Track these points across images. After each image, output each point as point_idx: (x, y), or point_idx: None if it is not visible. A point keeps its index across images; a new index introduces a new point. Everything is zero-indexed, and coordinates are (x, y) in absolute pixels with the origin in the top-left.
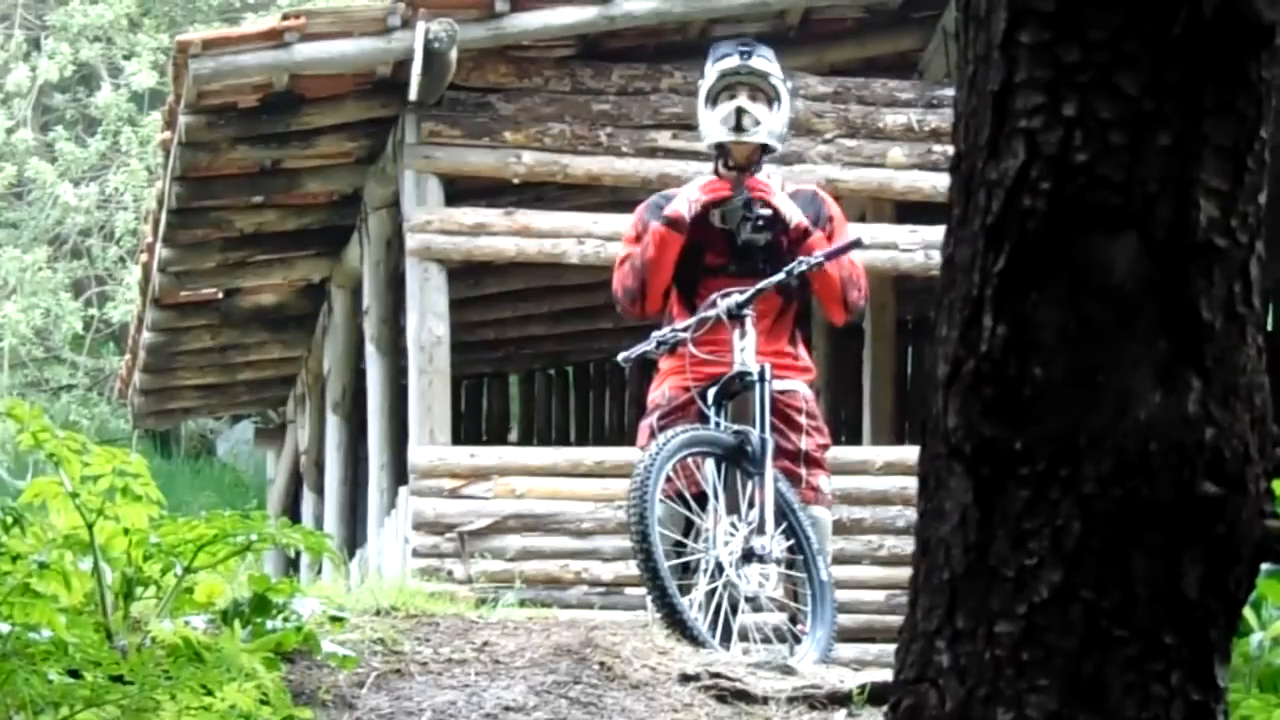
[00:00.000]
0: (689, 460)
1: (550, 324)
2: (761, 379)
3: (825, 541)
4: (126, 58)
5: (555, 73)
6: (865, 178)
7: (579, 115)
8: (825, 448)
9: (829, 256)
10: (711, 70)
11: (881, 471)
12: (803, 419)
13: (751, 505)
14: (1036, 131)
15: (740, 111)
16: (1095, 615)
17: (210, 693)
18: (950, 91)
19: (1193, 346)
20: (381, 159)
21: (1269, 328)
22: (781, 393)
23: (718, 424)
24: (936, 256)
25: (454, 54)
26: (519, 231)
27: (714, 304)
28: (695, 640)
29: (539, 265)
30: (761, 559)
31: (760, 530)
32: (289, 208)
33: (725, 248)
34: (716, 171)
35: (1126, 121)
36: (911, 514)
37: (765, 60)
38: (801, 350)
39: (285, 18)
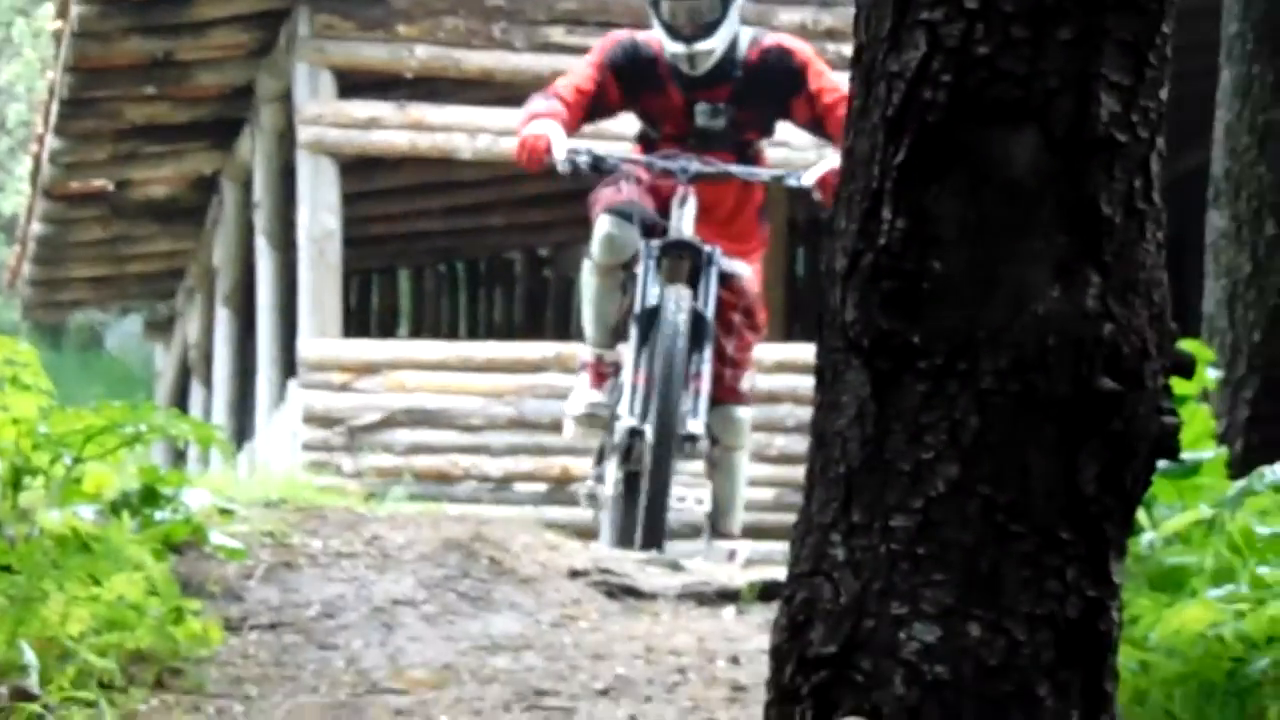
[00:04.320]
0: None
1: (441, 219)
2: (710, 261)
3: (744, 439)
4: None
5: None
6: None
7: (473, 10)
8: (751, 346)
9: (821, 187)
10: None
11: (772, 370)
12: (737, 316)
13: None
14: (938, 24)
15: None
16: (992, 510)
17: (98, 583)
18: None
19: (1092, 242)
20: (274, 52)
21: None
22: (725, 280)
23: (649, 255)
24: (828, 155)
25: None
26: (412, 126)
27: (675, 158)
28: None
29: (431, 160)
30: (695, 440)
31: (695, 414)
32: (181, 100)
33: (684, 124)
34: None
35: (1028, 14)
36: (801, 413)
37: None
38: (761, 226)
39: None
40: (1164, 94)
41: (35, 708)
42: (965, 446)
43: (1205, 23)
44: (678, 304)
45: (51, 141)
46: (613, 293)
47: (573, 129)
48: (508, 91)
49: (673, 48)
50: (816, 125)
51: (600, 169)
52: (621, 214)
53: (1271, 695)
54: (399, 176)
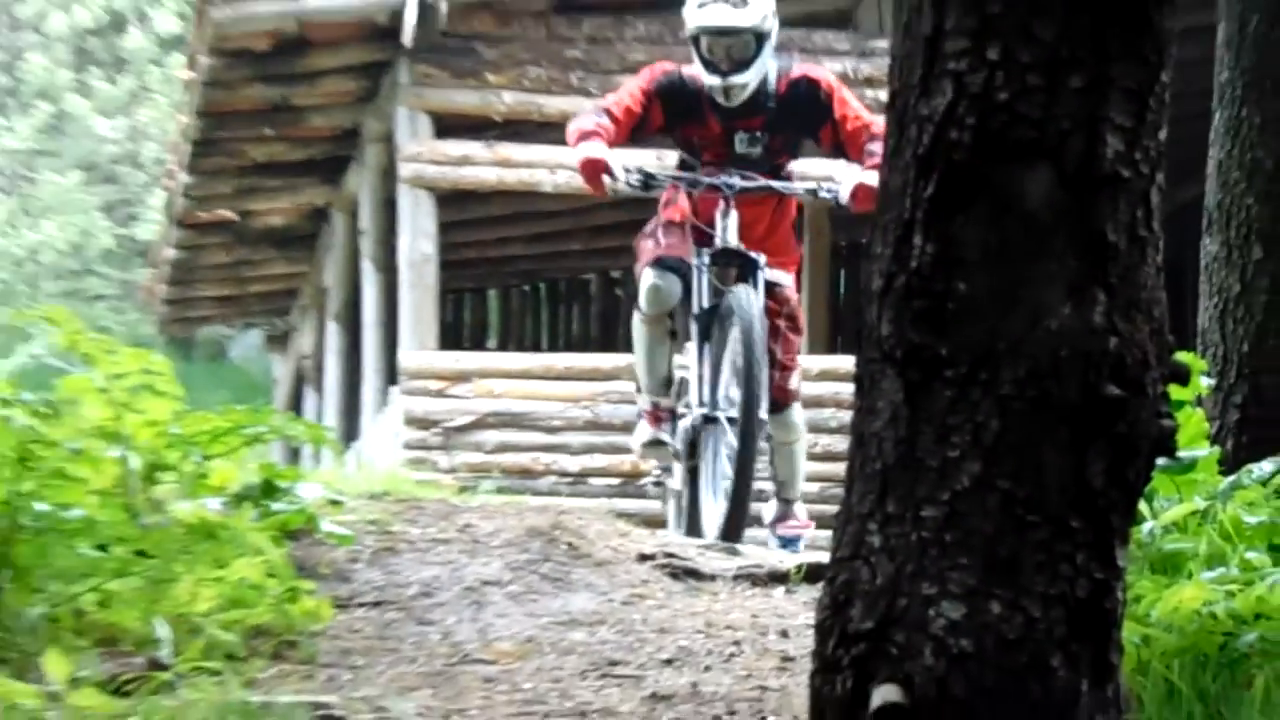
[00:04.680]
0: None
1: (525, 245)
2: (757, 267)
3: (799, 433)
4: (153, 5)
5: (533, 23)
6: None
7: (553, 61)
8: (796, 348)
9: (855, 199)
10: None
11: (817, 378)
12: (782, 322)
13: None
14: (963, 73)
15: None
16: (1011, 503)
17: (223, 566)
18: (881, 43)
19: (1099, 265)
20: (378, 98)
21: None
22: (769, 289)
23: (701, 264)
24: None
25: (444, 5)
26: (499, 163)
27: (718, 175)
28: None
29: (516, 193)
30: (763, 425)
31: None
32: (296, 140)
33: (724, 152)
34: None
35: (1043, 65)
36: (843, 415)
37: None
38: (796, 243)
39: None
40: (1163, 135)
41: (168, 676)
42: (987, 446)
43: (1201, 71)
44: (747, 297)
45: (183, 177)
46: (661, 342)
47: (616, 144)
48: None
49: (710, 80)
50: (839, 149)
51: (651, 185)
52: (664, 266)
53: (1258, 665)
54: (488, 207)
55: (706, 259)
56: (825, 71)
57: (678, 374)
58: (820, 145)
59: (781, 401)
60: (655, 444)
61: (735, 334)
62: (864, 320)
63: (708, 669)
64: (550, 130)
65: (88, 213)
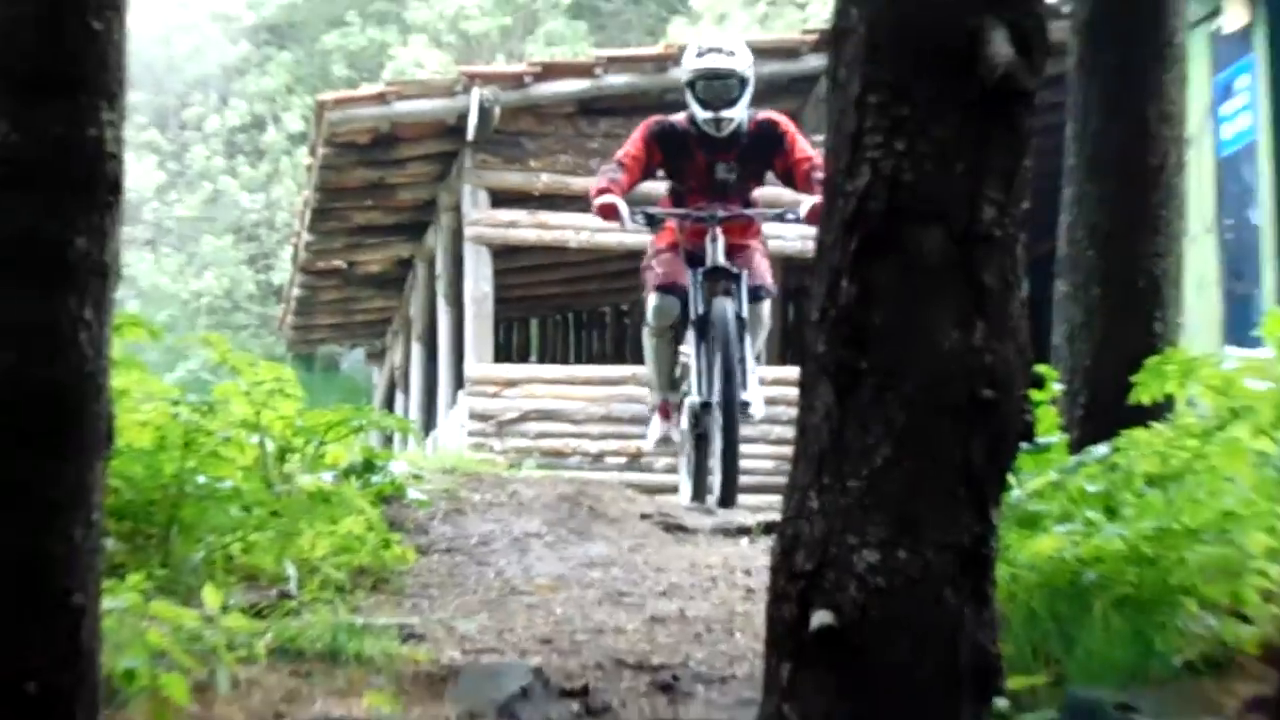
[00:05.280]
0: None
1: (558, 286)
2: (739, 279)
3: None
4: (284, 109)
5: (563, 122)
6: (761, 194)
7: (578, 151)
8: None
9: (808, 218)
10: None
11: (772, 384)
12: (756, 257)
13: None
14: (878, 160)
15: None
16: (914, 477)
17: (335, 522)
18: (818, 137)
19: (978, 302)
20: (449, 178)
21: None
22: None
23: (696, 280)
24: (810, 244)
25: (497, 110)
26: (538, 226)
27: (705, 209)
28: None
29: (551, 248)
30: (747, 407)
31: (745, 388)
32: (389, 209)
33: (708, 174)
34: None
35: (936, 155)
36: (791, 412)
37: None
38: (767, 254)
39: (389, 85)
40: (1025, 205)
41: (294, 604)
42: (896, 435)
43: (1053, 158)
44: (724, 309)
45: (306, 236)
46: (667, 348)
47: (629, 187)
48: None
49: (704, 115)
50: (789, 178)
51: (652, 223)
52: (665, 290)
53: (1096, 595)
54: (531, 258)
55: (700, 276)
56: (782, 117)
57: (680, 369)
58: (774, 173)
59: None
60: (665, 440)
61: (718, 339)
62: (806, 342)
63: (691, 598)
64: (576, 202)
65: (236, 265)
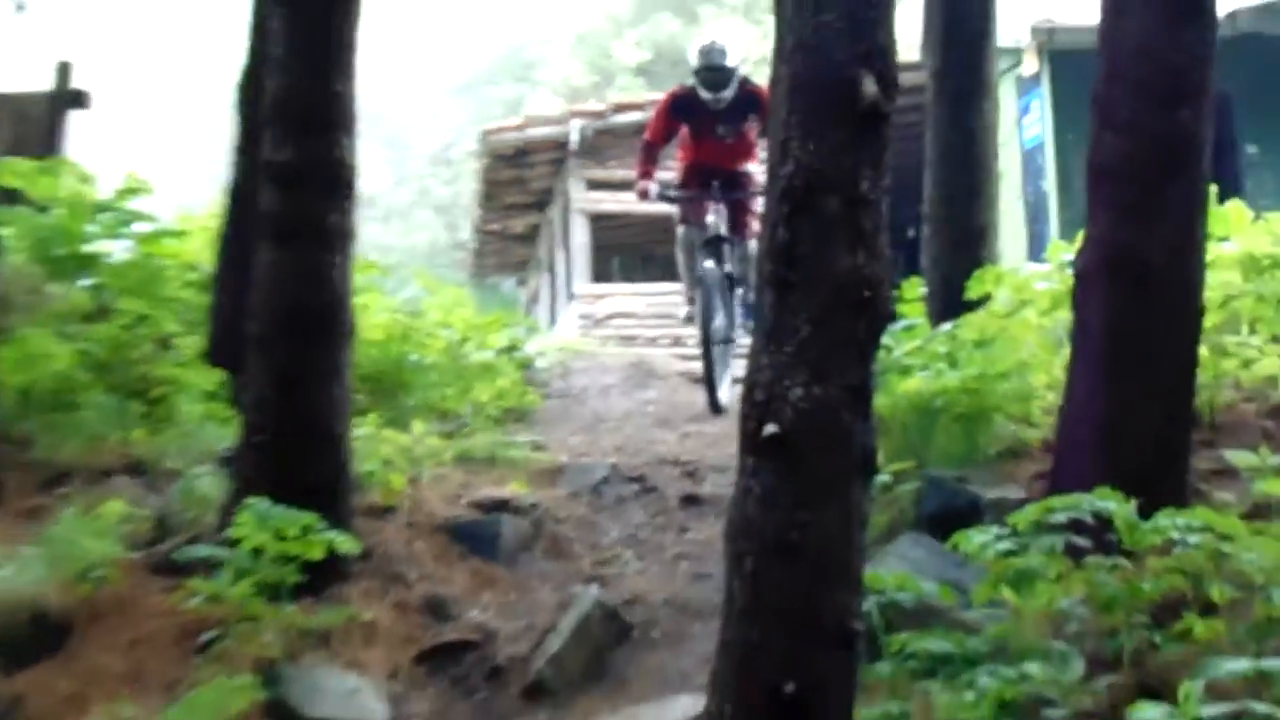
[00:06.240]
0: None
1: (627, 236)
2: (731, 243)
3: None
4: (464, 136)
5: (629, 138)
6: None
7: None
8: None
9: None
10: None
11: None
12: (749, 200)
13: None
14: (799, 156)
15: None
16: (822, 343)
17: (494, 381)
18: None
19: (859, 239)
20: (561, 173)
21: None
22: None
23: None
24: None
25: (590, 132)
26: (615, 201)
27: (708, 188)
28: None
29: (622, 214)
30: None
31: (733, 328)
32: (526, 193)
33: (712, 132)
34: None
35: (833, 151)
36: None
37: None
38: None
39: (524, 118)
40: (887, 180)
41: (468, 430)
42: (812, 320)
43: (918, 151)
44: (713, 271)
45: (477, 211)
46: (689, 260)
47: (657, 159)
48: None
49: (706, 95)
50: (763, 133)
51: (671, 200)
52: (687, 223)
53: (941, 413)
54: (611, 221)
55: (701, 242)
56: (763, 87)
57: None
58: (754, 123)
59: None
60: (689, 319)
61: (714, 290)
62: (758, 266)
63: (706, 422)
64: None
65: (436, 230)
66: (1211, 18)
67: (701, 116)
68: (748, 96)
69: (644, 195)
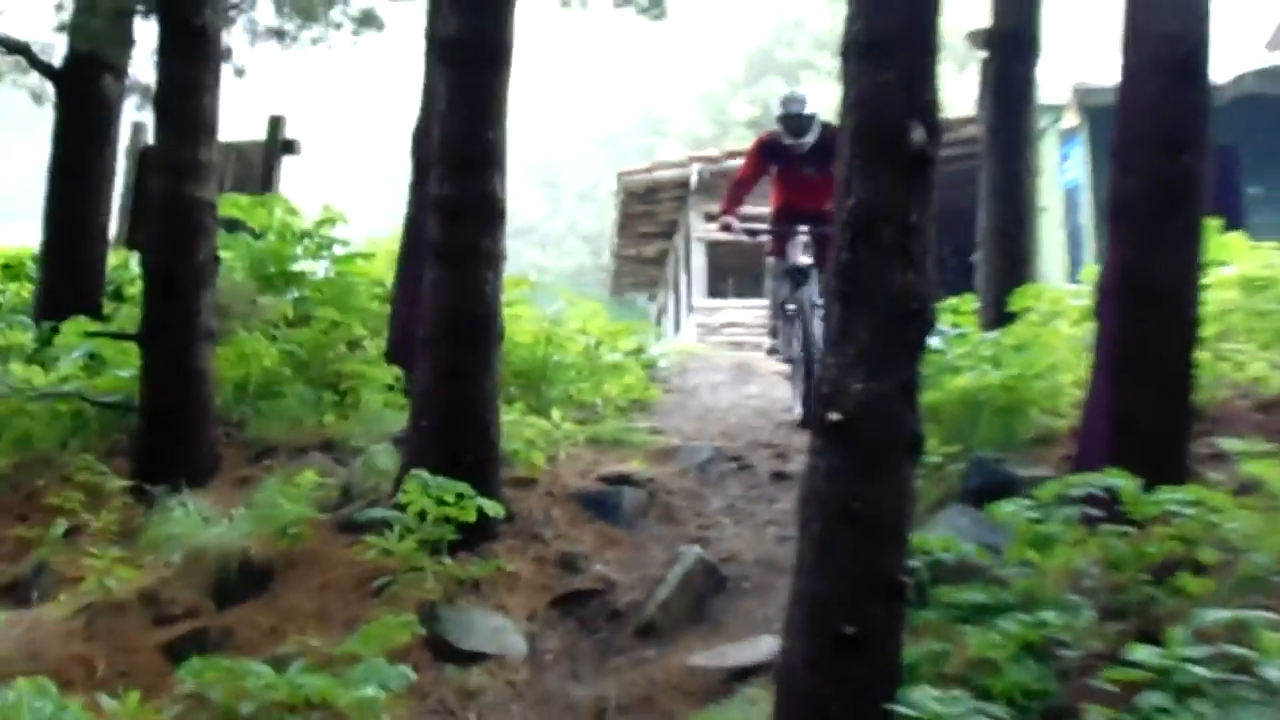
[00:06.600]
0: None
1: (737, 260)
2: (811, 274)
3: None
4: (606, 176)
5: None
6: None
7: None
8: None
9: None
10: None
11: None
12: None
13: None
14: (858, 190)
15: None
16: (877, 346)
17: (622, 378)
18: None
19: (910, 261)
20: (684, 208)
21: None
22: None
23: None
24: None
25: (707, 174)
26: (727, 231)
27: (795, 225)
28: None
29: (733, 242)
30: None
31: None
32: (655, 224)
33: (799, 173)
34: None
35: (887, 187)
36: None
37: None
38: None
39: (654, 163)
40: (933, 210)
41: (599, 417)
42: (870, 328)
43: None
44: (810, 297)
45: (615, 239)
46: (779, 289)
47: (745, 197)
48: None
49: (789, 140)
50: None
51: (754, 234)
52: (777, 255)
53: (985, 406)
54: (724, 247)
55: (786, 274)
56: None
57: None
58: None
59: None
60: (772, 351)
61: (803, 318)
62: (828, 284)
63: (790, 409)
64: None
65: (581, 254)
66: (1206, 81)
67: (788, 159)
68: (832, 139)
69: (726, 229)
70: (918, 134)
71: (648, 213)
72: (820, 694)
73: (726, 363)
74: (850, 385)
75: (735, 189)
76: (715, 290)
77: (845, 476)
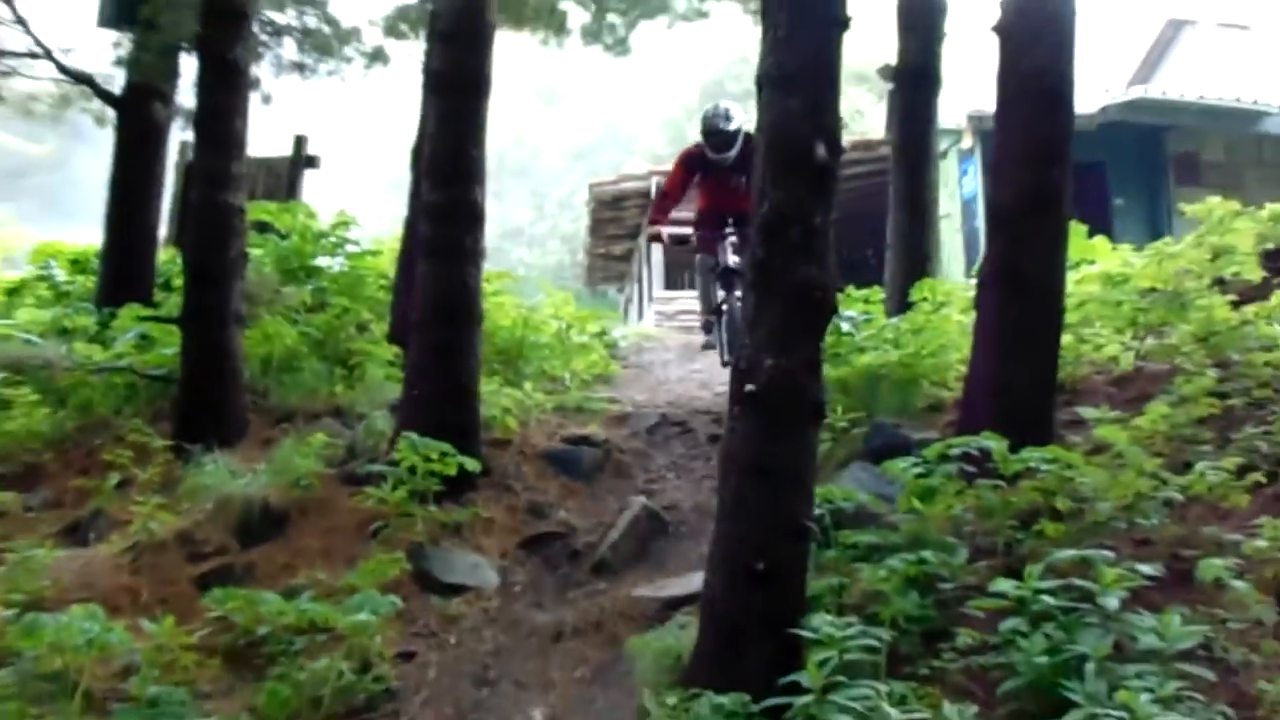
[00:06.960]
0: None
1: (692, 258)
2: (738, 272)
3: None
4: (581, 187)
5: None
6: None
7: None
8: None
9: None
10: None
11: None
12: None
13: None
14: (771, 198)
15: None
16: (785, 329)
17: (587, 355)
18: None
19: (813, 256)
20: (646, 214)
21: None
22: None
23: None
24: None
25: (654, 186)
26: (656, 240)
27: (723, 235)
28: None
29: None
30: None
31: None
32: (622, 227)
33: (724, 181)
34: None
35: (795, 196)
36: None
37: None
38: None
39: (619, 176)
40: (834, 215)
41: (566, 389)
42: (780, 312)
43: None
44: (732, 303)
45: (587, 239)
46: (708, 287)
47: (673, 207)
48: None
49: (714, 156)
50: None
51: (684, 240)
52: (705, 255)
53: (884, 379)
54: (675, 250)
55: (717, 274)
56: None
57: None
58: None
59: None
60: (707, 346)
61: (728, 321)
62: (744, 276)
63: (720, 380)
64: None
65: (570, 251)
66: (1070, 106)
67: (709, 168)
68: (748, 148)
69: (657, 239)
70: (821, 151)
71: (616, 218)
72: (737, 620)
73: (675, 344)
74: (763, 361)
75: (662, 200)
76: (672, 282)
77: (758, 438)
